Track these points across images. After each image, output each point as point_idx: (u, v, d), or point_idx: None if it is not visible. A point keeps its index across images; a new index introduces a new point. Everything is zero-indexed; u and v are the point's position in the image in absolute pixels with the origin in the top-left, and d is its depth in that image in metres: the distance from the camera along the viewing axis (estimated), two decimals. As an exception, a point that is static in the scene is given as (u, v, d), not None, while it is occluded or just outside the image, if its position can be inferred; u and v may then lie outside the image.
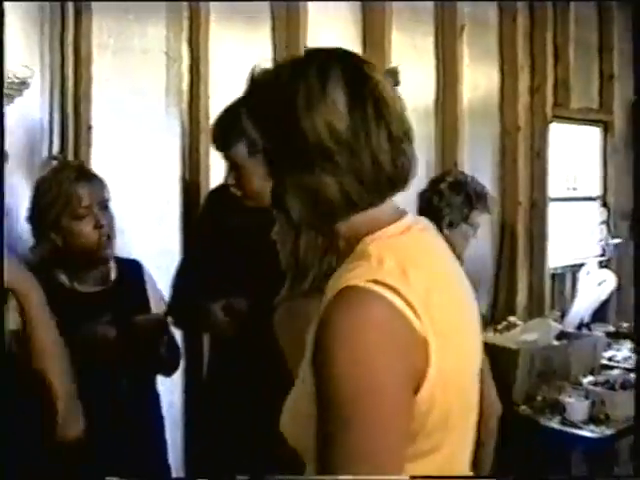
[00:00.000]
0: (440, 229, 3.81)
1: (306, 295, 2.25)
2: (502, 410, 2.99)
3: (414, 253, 1.62)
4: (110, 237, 2.87)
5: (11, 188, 3.26)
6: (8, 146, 3.23)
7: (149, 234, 3.66)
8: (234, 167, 2.83)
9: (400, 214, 1.69)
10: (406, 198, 4.41)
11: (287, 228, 2.33)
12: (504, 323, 4.85)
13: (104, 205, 2.88)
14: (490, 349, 4.46)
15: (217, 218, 3.09)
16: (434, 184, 3.94)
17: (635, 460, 2.95)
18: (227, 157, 2.86)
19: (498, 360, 4.42)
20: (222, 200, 3.04)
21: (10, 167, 3.25)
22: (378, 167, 1.61)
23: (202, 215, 3.22)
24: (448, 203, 3.82)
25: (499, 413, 2.85)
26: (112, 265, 2.96)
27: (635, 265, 5.51)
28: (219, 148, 2.88)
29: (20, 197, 3.26)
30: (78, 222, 2.82)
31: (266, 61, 1.73)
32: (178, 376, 3.53)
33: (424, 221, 1.76)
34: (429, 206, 3.86)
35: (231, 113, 2.86)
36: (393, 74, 4.57)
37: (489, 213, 4.08)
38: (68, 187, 2.82)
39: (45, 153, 3.40)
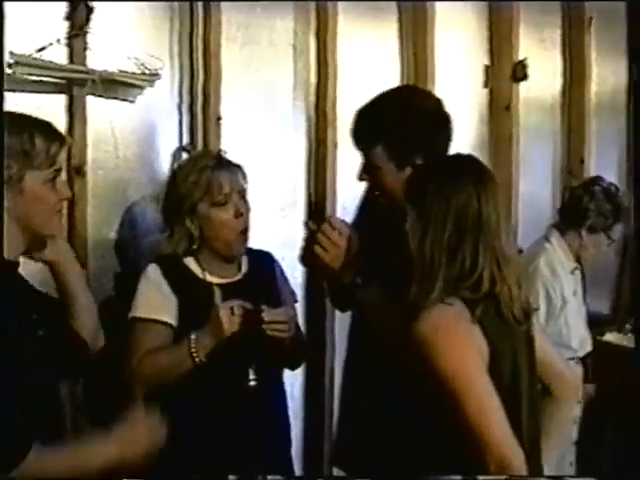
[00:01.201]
0: (579, 230, 3.82)
1: (445, 302, 2.17)
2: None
3: None
4: (246, 228, 2.81)
5: (135, 181, 3.27)
6: (135, 137, 3.26)
7: (273, 225, 3.62)
8: (370, 167, 2.73)
9: None
10: (540, 190, 4.36)
11: (416, 224, 2.25)
12: (628, 326, 4.71)
13: (243, 194, 2.82)
14: (615, 350, 4.38)
15: (360, 212, 2.99)
16: (588, 184, 3.96)
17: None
18: (364, 156, 2.76)
19: (623, 361, 4.30)
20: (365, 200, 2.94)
21: (137, 157, 3.27)
22: None
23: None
24: (597, 207, 3.83)
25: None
26: (244, 256, 2.89)
27: None
28: (358, 147, 2.77)
29: (144, 188, 3.26)
30: (217, 209, 2.76)
31: None
32: (300, 370, 3.48)
33: None
34: (577, 204, 3.88)
35: (370, 112, 2.73)
36: (522, 67, 4.53)
37: (627, 230, 4.03)
38: (209, 174, 2.75)
39: (170, 143, 3.38)
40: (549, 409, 2.46)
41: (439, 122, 2.71)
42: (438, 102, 2.79)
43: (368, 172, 2.72)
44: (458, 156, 2.45)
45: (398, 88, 2.93)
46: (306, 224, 2.67)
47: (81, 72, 3.02)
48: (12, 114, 1.99)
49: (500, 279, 2.20)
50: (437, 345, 2.13)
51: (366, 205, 2.92)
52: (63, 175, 2.29)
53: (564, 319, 3.78)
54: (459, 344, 2.15)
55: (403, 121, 2.65)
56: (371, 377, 2.67)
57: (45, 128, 1.97)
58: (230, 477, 2.49)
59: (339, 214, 3.71)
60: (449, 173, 2.29)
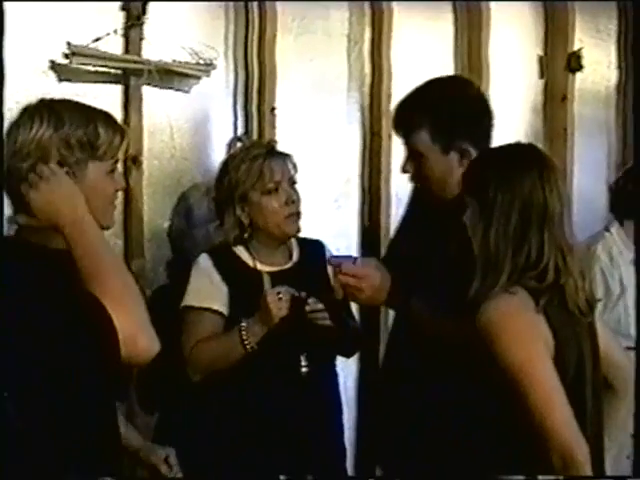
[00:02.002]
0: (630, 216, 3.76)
1: (509, 291, 2.10)
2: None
3: None
4: (299, 215, 2.78)
5: (190, 171, 3.24)
6: (191, 126, 3.24)
7: (327, 216, 3.57)
8: (414, 155, 2.67)
9: None
10: (595, 182, 4.31)
11: (478, 215, 2.18)
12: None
13: (293, 182, 2.80)
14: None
15: (410, 209, 2.94)
16: (630, 170, 3.94)
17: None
18: (407, 144, 2.71)
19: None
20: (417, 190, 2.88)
21: (192, 147, 3.24)
22: None
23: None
24: None
25: None
26: (294, 245, 2.86)
27: None
28: (399, 133, 2.73)
29: (199, 178, 3.22)
30: (268, 197, 2.74)
31: None
32: (354, 360, 3.44)
33: None
34: (623, 190, 3.83)
35: (414, 98, 2.70)
36: (576, 58, 4.45)
37: None
38: (260, 162, 2.74)
39: (225, 133, 3.35)
40: (609, 402, 2.38)
41: (483, 108, 2.71)
42: (480, 91, 2.86)
43: (413, 160, 2.65)
44: (518, 145, 2.37)
45: (440, 77, 2.91)
46: (328, 261, 2.72)
47: (137, 62, 3.01)
48: (76, 104, 1.96)
49: (565, 270, 2.13)
50: (501, 333, 2.06)
51: (416, 201, 2.87)
52: (119, 165, 2.28)
53: (623, 307, 3.71)
54: (523, 332, 2.09)
55: (449, 103, 2.64)
56: (417, 374, 2.63)
57: (108, 120, 1.95)
58: (281, 477, 2.47)
59: (393, 205, 3.68)
60: (512, 162, 2.21)
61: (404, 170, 2.70)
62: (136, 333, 1.76)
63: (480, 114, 2.68)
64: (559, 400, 2.04)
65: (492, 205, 2.14)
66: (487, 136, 2.66)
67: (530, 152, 2.30)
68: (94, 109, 1.96)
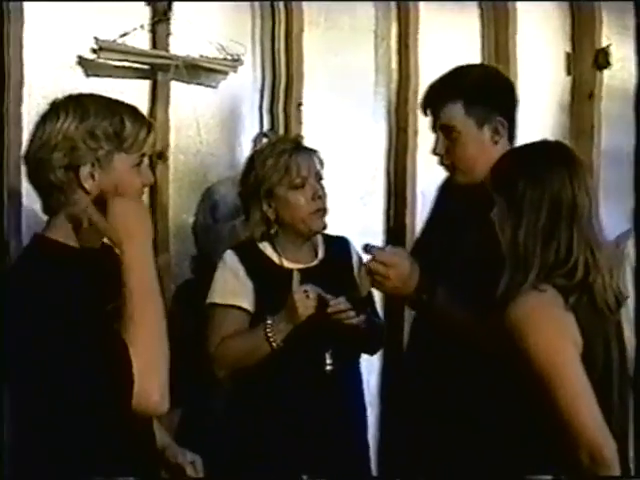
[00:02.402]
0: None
1: (539, 288, 2.07)
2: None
3: None
4: (325, 210, 2.77)
5: (216, 166, 3.23)
6: (217, 122, 3.22)
7: (353, 214, 3.55)
8: (445, 131, 2.63)
9: None
10: (622, 180, 4.27)
11: (506, 211, 2.15)
12: None
13: (319, 178, 2.78)
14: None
15: (436, 205, 2.92)
16: None
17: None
18: (437, 119, 2.66)
19: None
20: (444, 186, 2.85)
21: (218, 142, 3.23)
22: None
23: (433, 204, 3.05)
24: None
25: None
26: (320, 242, 2.84)
27: None
28: (430, 106, 2.68)
29: (225, 173, 3.21)
30: (294, 192, 2.72)
31: None
32: (377, 357, 3.42)
33: None
34: None
35: (445, 77, 2.69)
36: (604, 55, 4.40)
37: None
38: (287, 157, 2.72)
39: (251, 129, 3.35)
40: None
41: (512, 89, 2.77)
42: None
43: (444, 138, 2.61)
44: (546, 142, 2.35)
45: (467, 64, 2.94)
46: (365, 248, 2.64)
47: (164, 57, 3.01)
48: (102, 98, 1.96)
49: (594, 267, 2.10)
50: (530, 330, 2.03)
51: (444, 192, 2.85)
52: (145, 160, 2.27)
53: None
54: (552, 329, 2.06)
55: (481, 77, 2.70)
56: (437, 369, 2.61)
57: (134, 113, 1.95)
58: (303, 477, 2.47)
59: (419, 202, 3.65)
60: (540, 159, 2.18)
61: (434, 152, 2.66)
62: (151, 388, 1.79)
63: (510, 93, 2.71)
64: (587, 397, 2.02)
65: (521, 202, 2.12)
66: (514, 117, 2.67)
67: (558, 149, 2.27)
68: (120, 102, 1.96)
